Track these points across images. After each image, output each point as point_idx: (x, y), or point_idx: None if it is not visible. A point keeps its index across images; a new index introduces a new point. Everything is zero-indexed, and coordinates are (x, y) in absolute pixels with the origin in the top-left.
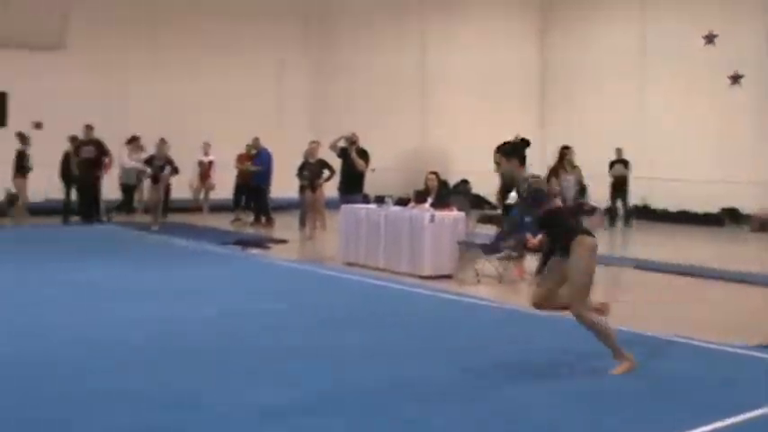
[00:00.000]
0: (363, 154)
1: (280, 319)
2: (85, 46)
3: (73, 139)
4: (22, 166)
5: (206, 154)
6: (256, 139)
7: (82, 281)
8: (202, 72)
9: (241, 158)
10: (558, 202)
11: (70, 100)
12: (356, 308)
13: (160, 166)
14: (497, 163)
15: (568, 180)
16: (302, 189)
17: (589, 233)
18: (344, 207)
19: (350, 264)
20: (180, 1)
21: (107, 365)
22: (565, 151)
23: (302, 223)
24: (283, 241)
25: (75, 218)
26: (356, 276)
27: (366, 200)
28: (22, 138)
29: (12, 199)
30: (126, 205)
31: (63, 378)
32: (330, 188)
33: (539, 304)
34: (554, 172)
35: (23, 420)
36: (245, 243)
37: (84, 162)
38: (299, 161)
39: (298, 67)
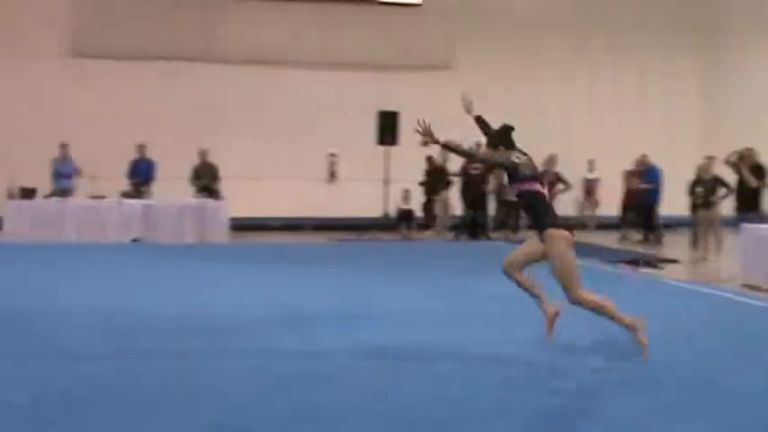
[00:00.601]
0: (759, 170)
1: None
2: (470, 65)
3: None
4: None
5: (591, 171)
6: (644, 156)
7: (495, 297)
8: (584, 87)
9: (629, 176)
10: (536, 186)
11: (456, 118)
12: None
13: (550, 182)
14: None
15: None
16: (695, 207)
17: (560, 225)
18: (744, 227)
19: (750, 287)
20: (563, 16)
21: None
22: None
23: (695, 243)
24: (674, 261)
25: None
26: (758, 301)
27: (762, 219)
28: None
29: (402, 215)
30: (510, 220)
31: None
32: (726, 207)
33: (505, 270)
34: None
35: None
36: (634, 262)
37: (472, 179)
38: (690, 177)
39: (687, 78)
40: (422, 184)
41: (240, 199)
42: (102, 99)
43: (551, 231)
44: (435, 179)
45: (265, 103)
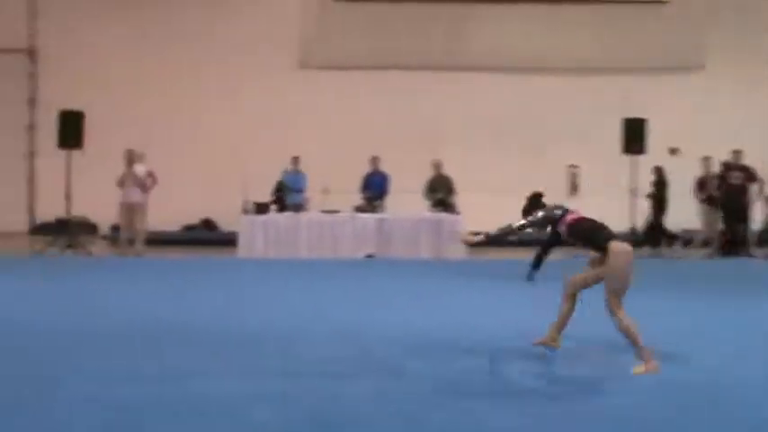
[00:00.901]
0: None
1: None
2: (725, 65)
3: (726, 165)
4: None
5: None
6: None
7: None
8: None
9: None
10: (572, 216)
11: (709, 124)
12: None
13: None
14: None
15: None
16: None
17: (618, 239)
18: None
19: None
20: None
21: None
22: None
23: None
24: None
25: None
26: None
27: None
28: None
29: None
30: None
31: None
32: None
33: (570, 290)
34: None
35: None
36: None
37: (731, 189)
38: None
39: None
40: (649, 196)
41: (476, 213)
42: (333, 111)
43: (612, 245)
44: (663, 191)
45: (499, 111)
